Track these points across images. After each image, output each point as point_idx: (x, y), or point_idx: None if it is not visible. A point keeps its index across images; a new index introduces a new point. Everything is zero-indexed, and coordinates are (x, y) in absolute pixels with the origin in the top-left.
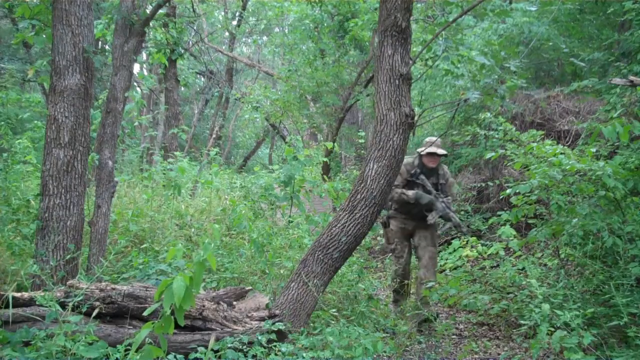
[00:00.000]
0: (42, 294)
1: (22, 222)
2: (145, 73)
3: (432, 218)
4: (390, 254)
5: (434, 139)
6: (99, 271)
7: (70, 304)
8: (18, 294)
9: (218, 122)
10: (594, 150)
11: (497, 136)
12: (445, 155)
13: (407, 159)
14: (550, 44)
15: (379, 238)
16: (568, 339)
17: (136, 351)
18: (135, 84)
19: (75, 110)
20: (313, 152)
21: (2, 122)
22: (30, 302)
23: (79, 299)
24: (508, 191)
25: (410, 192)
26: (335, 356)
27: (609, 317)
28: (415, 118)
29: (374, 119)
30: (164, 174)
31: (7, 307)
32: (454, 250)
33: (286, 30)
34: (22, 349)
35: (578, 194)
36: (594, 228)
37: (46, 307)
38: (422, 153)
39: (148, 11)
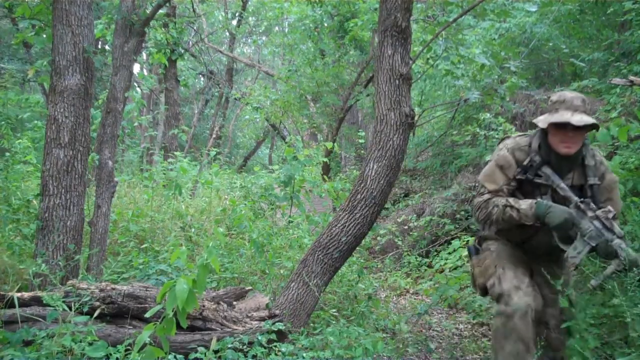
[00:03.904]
0: (49, 294)
1: (22, 222)
2: (145, 73)
3: (575, 254)
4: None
5: (570, 94)
6: (107, 271)
7: (74, 305)
8: (18, 294)
9: (218, 122)
10: None
11: (497, 136)
12: (594, 128)
13: (518, 139)
14: (551, 44)
15: (378, 238)
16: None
17: (137, 352)
18: (135, 84)
19: (75, 110)
20: (313, 152)
21: (2, 122)
22: (30, 302)
23: (87, 299)
24: None
25: (525, 204)
26: (335, 356)
27: (610, 317)
28: (415, 118)
29: (374, 119)
30: (164, 174)
31: (7, 307)
32: (454, 251)
33: (286, 31)
34: (23, 349)
35: None
36: None
37: (49, 307)
38: (544, 124)
39: (148, 11)
